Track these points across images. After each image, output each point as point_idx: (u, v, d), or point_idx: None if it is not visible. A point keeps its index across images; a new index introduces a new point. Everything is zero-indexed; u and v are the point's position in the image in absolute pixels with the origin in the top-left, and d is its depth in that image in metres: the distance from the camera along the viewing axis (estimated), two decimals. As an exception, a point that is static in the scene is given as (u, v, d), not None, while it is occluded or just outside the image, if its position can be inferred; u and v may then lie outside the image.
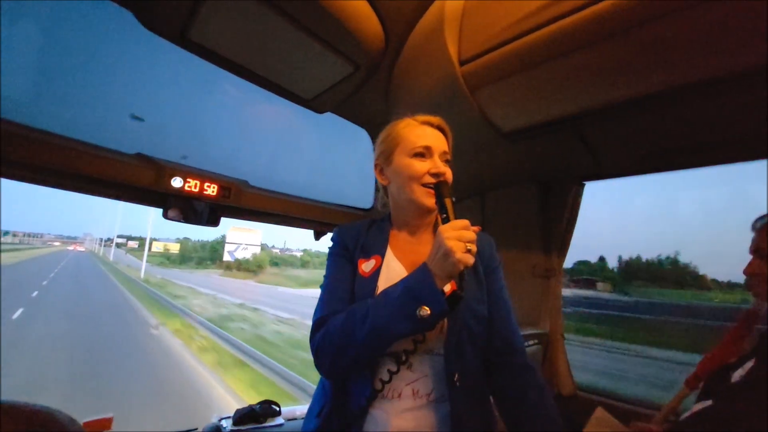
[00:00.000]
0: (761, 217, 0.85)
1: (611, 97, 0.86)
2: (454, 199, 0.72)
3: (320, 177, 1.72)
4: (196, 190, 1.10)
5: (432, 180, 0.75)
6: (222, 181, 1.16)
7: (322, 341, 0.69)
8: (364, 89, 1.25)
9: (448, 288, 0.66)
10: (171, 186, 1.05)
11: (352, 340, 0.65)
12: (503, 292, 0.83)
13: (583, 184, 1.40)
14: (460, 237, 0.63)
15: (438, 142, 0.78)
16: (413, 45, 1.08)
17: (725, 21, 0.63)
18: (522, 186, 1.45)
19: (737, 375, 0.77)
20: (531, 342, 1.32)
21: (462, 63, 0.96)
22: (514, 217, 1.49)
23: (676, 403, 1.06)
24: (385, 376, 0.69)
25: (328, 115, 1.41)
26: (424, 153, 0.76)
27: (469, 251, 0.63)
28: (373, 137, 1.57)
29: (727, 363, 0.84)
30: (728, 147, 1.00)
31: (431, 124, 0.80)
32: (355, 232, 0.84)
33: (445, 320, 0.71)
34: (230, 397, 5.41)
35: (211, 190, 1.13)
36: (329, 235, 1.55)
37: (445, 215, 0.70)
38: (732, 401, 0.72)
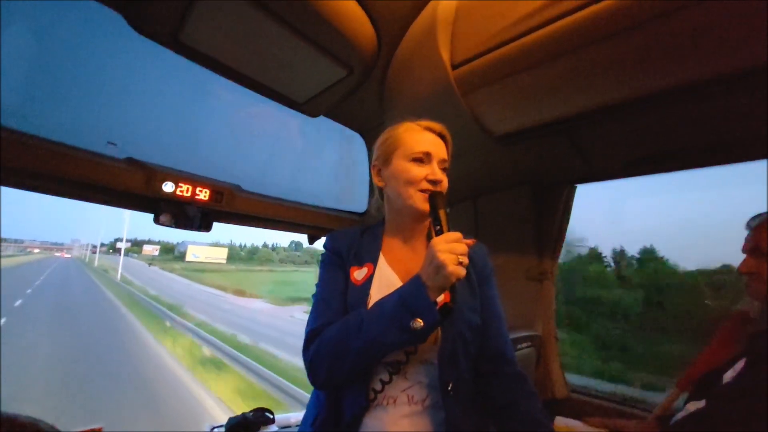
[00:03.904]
0: (756, 216, 0.85)
1: (602, 100, 0.87)
2: (448, 210, 0.72)
3: (314, 181, 1.71)
4: (188, 194, 1.09)
5: (429, 186, 0.74)
6: (214, 186, 1.15)
7: (315, 353, 0.68)
8: (358, 93, 1.26)
9: (441, 298, 0.66)
10: (162, 191, 1.04)
11: (347, 352, 0.65)
12: (496, 301, 0.83)
13: (575, 187, 1.42)
14: (452, 250, 0.63)
15: (438, 149, 0.78)
16: (406, 49, 1.09)
17: (715, 24, 0.64)
18: (515, 189, 1.46)
19: (728, 376, 0.77)
20: (524, 344, 1.32)
21: (454, 67, 0.96)
22: (508, 220, 1.49)
23: (668, 404, 1.07)
24: (378, 386, 0.69)
25: (322, 118, 1.41)
26: (423, 159, 0.76)
27: (461, 263, 0.63)
28: (367, 141, 1.58)
29: (718, 364, 0.85)
30: (721, 149, 1.01)
31: (433, 131, 0.80)
32: (348, 239, 0.83)
33: (439, 330, 0.71)
34: None
35: (204, 194, 1.12)
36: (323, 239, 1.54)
37: (438, 227, 0.70)
38: (724, 402, 0.73)
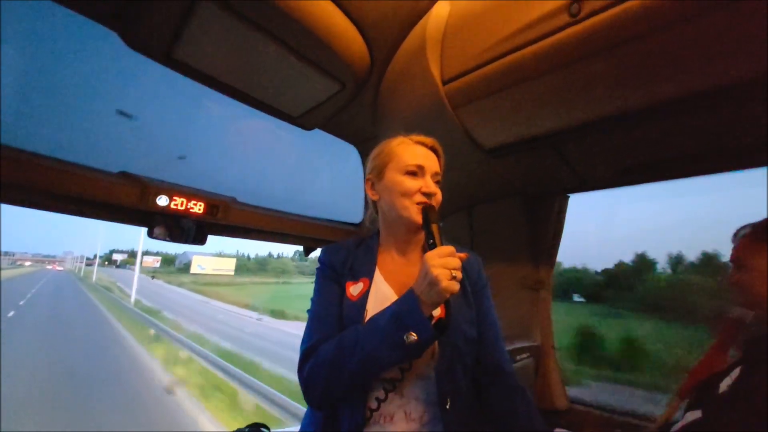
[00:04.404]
0: (742, 228, 0.86)
1: (589, 115, 0.89)
2: (441, 224, 0.73)
3: (309, 192, 1.72)
4: (183, 208, 1.08)
5: (423, 199, 0.75)
6: (209, 199, 1.14)
7: (311, 372, 0.68)
8: (351, 107, 1.27)
9: (436, 313, 0.66)
10: (156, 204, 1.03)
11: (343, 370, 0.64)
12: (491, 312, 0.83)
13: (568, 196, 1.43)
14: (445, 265, 0.63)
15: (430, 162, 0.79)
16: (398, 65, 1.11)
17: (699, 40, 0.66)
18: (508, 200, 1.47)
19: (725, 384, 0.77)
20: (523, 355, 1.31)
21: (445, 82, 0.98)
22: (502, 231, 1.50)
23: (668, 414, 1.06)
24: (374, 404, 0.68)
25: (316, 130, 1.42)
26: (416, 172, 0.77)
27: (454, 278, 0.63)
28: (362, 153, 1.59)
29: (716, 371, 0.84)
30: (708, 159, 1.03)
31: (425, 145, 0.81)
32: (344, 253, 0.83)
33: (435, 344, 0.71)
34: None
35: (198, 207, 1.11)
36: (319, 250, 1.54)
37: (431, 241, 0.70)
38: (721, 411, 0.72)
